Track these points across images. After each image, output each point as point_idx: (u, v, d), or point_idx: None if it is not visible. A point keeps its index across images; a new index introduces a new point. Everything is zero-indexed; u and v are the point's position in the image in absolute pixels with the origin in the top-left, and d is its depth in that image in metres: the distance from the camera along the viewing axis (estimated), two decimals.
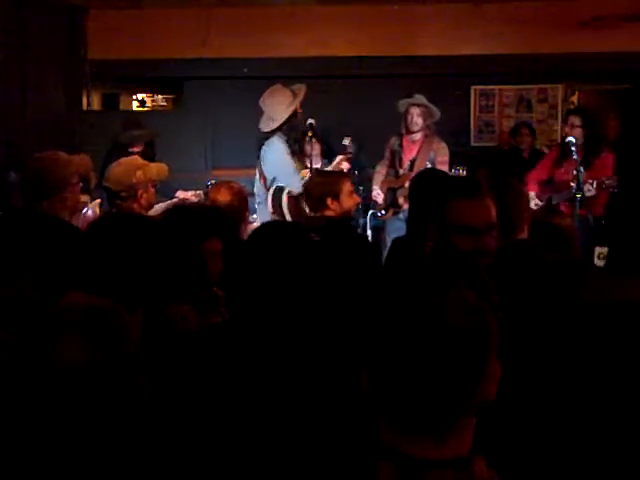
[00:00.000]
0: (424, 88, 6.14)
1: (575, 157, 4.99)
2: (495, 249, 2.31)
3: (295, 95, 5.14)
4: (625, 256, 2.27)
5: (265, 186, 5.17)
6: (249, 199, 3.90)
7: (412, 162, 5.59)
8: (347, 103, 7.50)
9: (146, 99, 9.72)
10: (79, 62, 7.18)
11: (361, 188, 6.39)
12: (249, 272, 2.14)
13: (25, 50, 6.16)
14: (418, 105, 5.62)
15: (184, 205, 2.67)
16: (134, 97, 9.70)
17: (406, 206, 5.36)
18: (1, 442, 1.23)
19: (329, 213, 3.75)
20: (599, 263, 3.76)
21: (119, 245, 2.10)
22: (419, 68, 7.31)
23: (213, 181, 5.35)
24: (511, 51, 7.18)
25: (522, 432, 1.52)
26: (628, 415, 1.54)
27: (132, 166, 3.64)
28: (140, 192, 3.55)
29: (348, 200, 3.83)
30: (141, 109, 9.65)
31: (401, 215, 5.50)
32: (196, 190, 5.30)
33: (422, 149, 5.58)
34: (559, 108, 7.69)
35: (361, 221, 6.22)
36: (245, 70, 7.35)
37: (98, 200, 4.48)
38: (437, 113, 5.64)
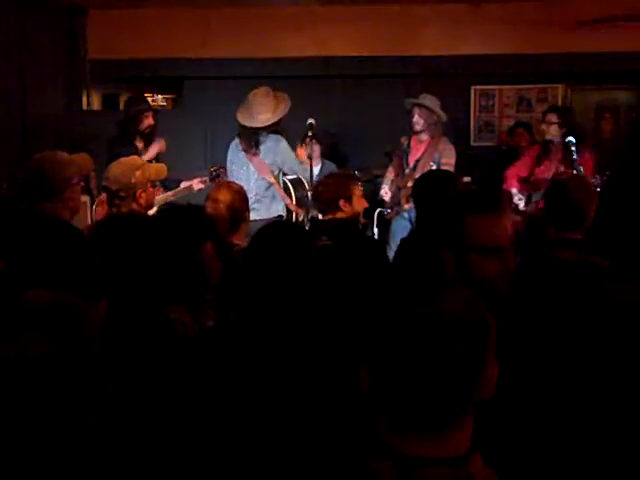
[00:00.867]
0: (424, 88, 6.14)
1: (575, 157, 5.01)
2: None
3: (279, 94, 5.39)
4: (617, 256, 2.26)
5: (267, 181, 5.27)
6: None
7: (417, 162, 5.60)
8: (347, 103, 7.50)
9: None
10: (79, 62, 7.19)
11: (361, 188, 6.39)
12: (252, 273, 2.14)
13: (25, 50, 6.16)
14: (420, 106, 5.62)
15: (176, 207, 2.66)
16: None
17: (407, 206, 5.39)
18: None
19: (340, 215, 3.75)
20: None
21: (121, 247, 2.11)
22: (419, 68, 7.31)
23: (214, 167, 5.38)
24: (511, 51, 7.19)
25: (520, 430, 1.52)
26: (628, 414, 1.54)
27: (131, 166, 3.64)
28: (139, 192, 3.55)
29: (359, 203, 3.87)
30: None
31: (405, 214, 5.51)
32: (197, 179, 5.31)
33: (428, 150, 5.57)
34: None
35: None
36: (245, 70, 7.35)
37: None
38: (441, 114, 5.63)
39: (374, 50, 7.29)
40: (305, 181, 5.50)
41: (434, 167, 5.36)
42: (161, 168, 3.88)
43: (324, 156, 6.70)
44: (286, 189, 5.48)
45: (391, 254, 4.11)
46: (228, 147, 5.85)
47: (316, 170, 6.08)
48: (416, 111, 5.61)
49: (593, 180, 4.98)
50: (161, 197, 4.74)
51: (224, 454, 1.79)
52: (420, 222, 3.45)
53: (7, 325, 1.27)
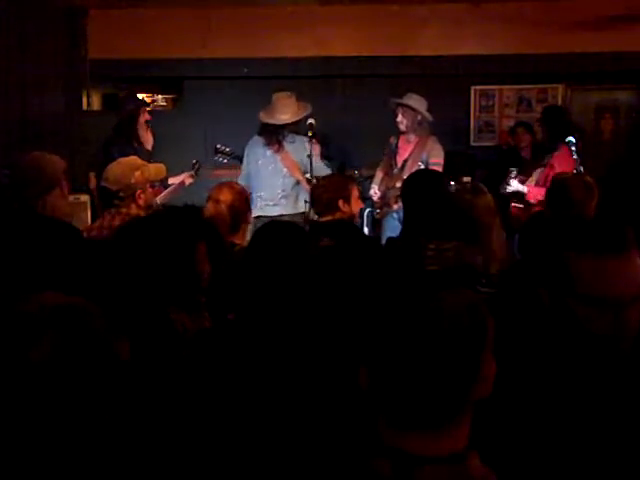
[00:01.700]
0: (424, 88, 6.14)
1: (575, 157, 5.01)
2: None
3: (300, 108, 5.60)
4: None
5: (294, 178, 5.47)
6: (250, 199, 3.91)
7: (404, 162, 5.62)
8: (347, 103, 7.50)
9: (146, 99, 9.71)
10: (79, 62, 7.18)
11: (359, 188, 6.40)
12: (250, 273, 2.15)
13: (25, 50, 6.16)
14: (403, 105, 5.62)
15: (171, 207, 2.66)
16: None
17: (395, 206, 5.44)
18: None
19: (339, 216, 3.75)
20: None
21: (125, 250, 2.11)
22: (419, 68, 7.31)
23: (194, 161, 5.44)
24: (511, 51, 7.19)
25: (517, 429, 1.52)
26: (626, 414, 1.54)
27: (130, 166, 3.64)
28: (138, 192, 3.55)
29: (356, 203, 3.88)
30: None
31: (395, 215, 5.53)
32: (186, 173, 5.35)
33: (415, 150, 5.60)
34: None
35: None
36: (245, 70, 7.35)
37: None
38: (425, 114, 5.63)
39: (374, 50, 7.29)
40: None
41: (422, 167, 5.39)
42: (160, 168, 3.88)
43: (324, 156, 6.70)
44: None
45: None
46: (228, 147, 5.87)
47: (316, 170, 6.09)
48: (400, 111, 5.64)
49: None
50: (159, 196, 4.75)
51: (224, 453, 1.79)
52: (408, 221, 3.45)
53: (24, 326, 1.27)
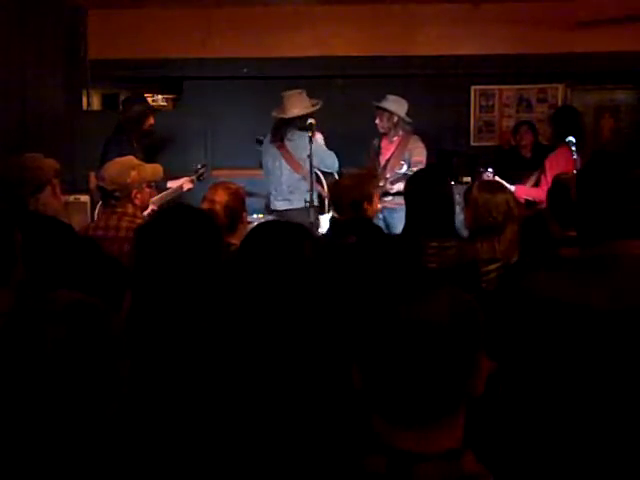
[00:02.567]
0: (424, 88, 6.15)
1: (575, 157, 5.01)
2: None
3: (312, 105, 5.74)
4: None
5: (297, 174, 5.61)
6: (247, 199, 3.91)
7: (387, 162, 5.72)
8: (347, 103, 7.50)
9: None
10: (79, 62, 7.18)
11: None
12: (244, 272, 2.15)
13: (25, 50, 6.16)
14: (379, 108, 5.74)
15: (174, 206, 2.66)
16: None
17: (379, 205, 5.46)
18: None
19: (361, 214, 3.72)
20: None
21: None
22: (419, 68, 7.31)
23: (199, 166, 5.44)
24: (511, 51, 7.18)
25: (512, 427, 1.53)
26: (621, 413, 1.54)
27: (127, 166, 3.64)
28: (134, 192, 3.55)
29: (377, 202, 3.89)
30: None
31: (380, 215, 5.59)
32: (186, 178, 5.36)
33: (397, 150, 5.69)
34: None
35: None
36: (245, 70, 7.35)
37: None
38: (401, 115, 5.72)
39: (374, 50, 7.28)
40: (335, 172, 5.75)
41: (405, 166, 5.56)
42: (157, 168, 3.88)
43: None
44: (318, 179, 5.70)
45: None
46: (228, 147, 5.91)
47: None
48: (377, 113, 5.81)
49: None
50: (153, 199, 4.74)
51: (219, 452, 1.80)
52: (409, 220, 3.46)
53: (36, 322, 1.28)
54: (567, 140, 5.09)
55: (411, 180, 3.64)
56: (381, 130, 5.80)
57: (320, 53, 7.30)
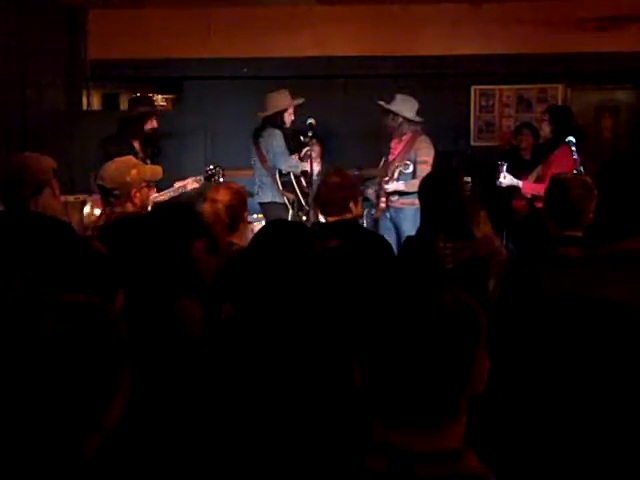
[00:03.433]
0: (424, 88, 6.15)
1: (575, 157, 5.01)
2: None
3: (293, 99, 6.03)
4: None
5: (269, 169, 5.99)
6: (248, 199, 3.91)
7: (393, 161, 5.72)
8: (347, 103, 7.50)
9: None
10: (79, 62, 7.18)
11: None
12: (251, 271, 2.15)
13: (25, 50, 6.16)
14: (382, 108, 5.77)
15: (176, 205, 2.68)
16: None
17: (383, 205, 5.70)
18: None
19: (348, 216, 3.67)
20: None
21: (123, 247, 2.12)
22: (419, 68, 7.30)
23: (212, 167, 5.46)
24: (511, 51, 7.17)
25: (513, 426, 1.52)
26: (621, 413, 1.53)
27: (126, 165, 3.65)
28: (134, 191, 3.56)
29: (361, 204, 3.89)
30: None
31: (387, 214, 5.64)
32: (192, 178, 5.36)
33: (404, 149, 5.67)
34: None
35: None
36: (245, 70, 7.35)
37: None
38: (406, 115, 5.69)
39: (374, 50, 7.28)
40: (292, 175, 6.04)
41: (410, 165, 5.57)
42: (156, 169, 3.91)
43: (324, 156, 6.71)
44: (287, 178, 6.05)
45: None
46: (228, 147, 5.96)
47: (316, 170, 6.11)
48: (382, 114, 5.79)
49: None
50: (155, 197, 4.76)
51: (219, 451, 1.80)
52: (424, 220, 3.47)
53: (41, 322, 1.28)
54: (567, 140, 5.10)
55: (424, 181, 3.65)
56: (388, 130, 5.80)
57: (320, 53, 7.30)
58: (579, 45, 7.03)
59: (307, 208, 5.80)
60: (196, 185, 5.37)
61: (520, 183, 5.41)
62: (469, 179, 6.35)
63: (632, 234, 1.78)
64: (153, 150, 5.81)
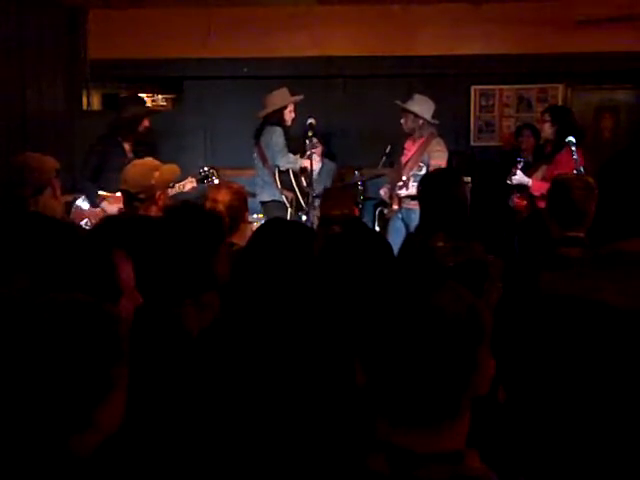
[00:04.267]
0: (424, 88, 6.15)
1: (575, 157, 5.01)
2: None
3: (292, 96, 6.04)
4: None
5: (269, 168, 6.01)
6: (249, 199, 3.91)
7: (407, 163, 5.68)
8: (347, 103, 7.50)
9: (146, 99, 9.70)
10: (79, 62, 7.18)
11: (361, 187, 6.45)
12: (250, 270, 2.15)
13: (25, 50, 6.16)
14: (402, 109, 5.71)
15: (189, 206, 2.68)
16: None
17: (395, 206, 5.64)
18: None
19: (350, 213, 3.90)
20: None
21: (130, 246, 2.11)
22: (419, 68, 7.30)
23: (206, 168, 5.44)
24: (511, 51, 7.17)
25: (516, 427, 1.52)
26: (622, 413, 1.53)
27: (149, 167, 3.60)
28: (158, 193, 3.52)
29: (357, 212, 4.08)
30: None
31: (399, 214, 5.58)
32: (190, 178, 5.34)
33: (418, 151, 5.65)
34: None
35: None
36: (245, 70, 7.35)
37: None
38: (425, 117, 5.65)
39: (374, 50, 7.28)
40: (292, 174, 6.03)
41: (423, 168, 5.53)
42: (174, 168, 3.85)
43: (324, 156, 6.70)
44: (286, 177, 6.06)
45: None
46: (228, 147, 5.96)
47: (317, 170, 6.12)
48: (402, 114, 5.73)
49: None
50: None
51: (221, 451, 1.79)
52: (424, 219, 3.47)
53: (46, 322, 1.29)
54: (567, 140, 5.10)
55: (423, 181, 3.65)
56: (406, 130, 5.72)
57: (320, 53, 7.29)
58: (579, 45, 7.03)
59: (306, 208, 5.78)
60: (194, 185, 5.35)
61: (530, 182, 5.42)
62: (469, 179, 6.36)
63: (632, 234, 1.78)
64: (148, 150, 5.76)
